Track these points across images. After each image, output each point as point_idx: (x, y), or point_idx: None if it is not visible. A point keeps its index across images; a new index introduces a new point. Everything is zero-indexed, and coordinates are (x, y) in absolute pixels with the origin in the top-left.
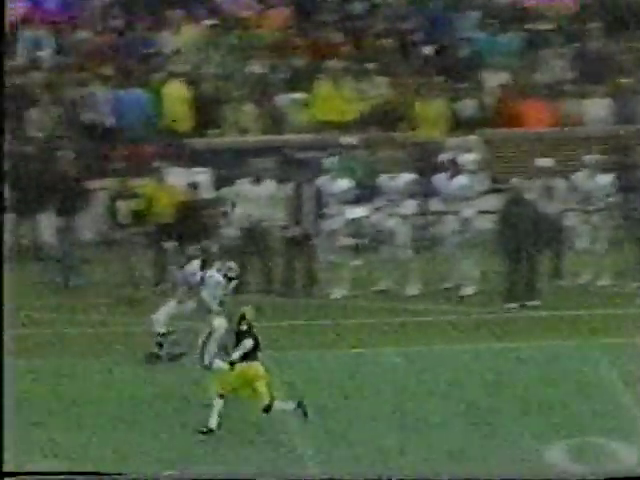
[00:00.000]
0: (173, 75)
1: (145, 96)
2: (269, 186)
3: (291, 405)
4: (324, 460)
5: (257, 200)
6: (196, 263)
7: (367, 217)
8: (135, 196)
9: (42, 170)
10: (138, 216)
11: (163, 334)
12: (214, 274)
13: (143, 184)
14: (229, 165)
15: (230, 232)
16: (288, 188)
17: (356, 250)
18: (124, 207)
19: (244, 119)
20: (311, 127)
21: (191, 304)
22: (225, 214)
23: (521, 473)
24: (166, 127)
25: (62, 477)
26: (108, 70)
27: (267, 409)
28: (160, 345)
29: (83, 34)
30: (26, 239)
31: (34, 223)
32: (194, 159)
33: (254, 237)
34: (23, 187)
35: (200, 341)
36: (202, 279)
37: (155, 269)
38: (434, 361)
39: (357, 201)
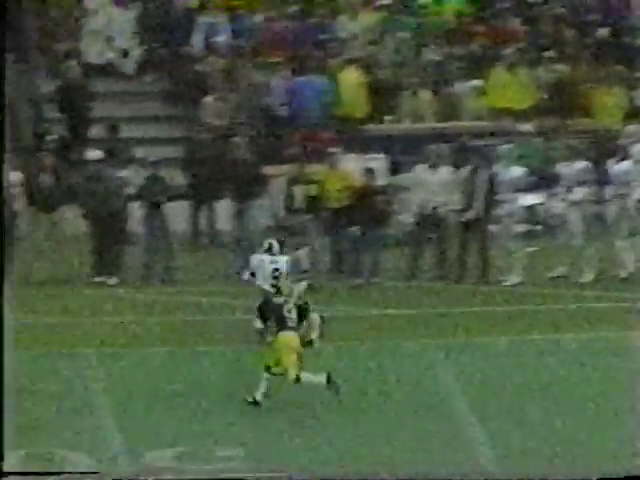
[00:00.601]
0: (350, 61)
1: (321, 82)
2: (445, 172)
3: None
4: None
5: (433, 186)
6: (300, 253)
7: (541, 204)
8: (310, 182)
9: (218, 157)
10: (313, 202)
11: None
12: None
13: (318, 170)
14: (404, 152)
15: (405, 218)
16: (463, 174)
17: (530, 237)
18: (299, 193)
19: (420, 106)
20: (487, 114)
21: (301, 286)
22: (400, 200)
23: None
24: (342, 113)
25: (62, 477)
26: (284, 56)
27: (297, 380)
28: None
29: (260, 19)
30: (203, 226)
31: (211, 210)
32: (369, 145)
33: (429, 223)
34: (199, 174)
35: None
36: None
37: (331, 255)
38: (610, 348)
39: (531, 188)
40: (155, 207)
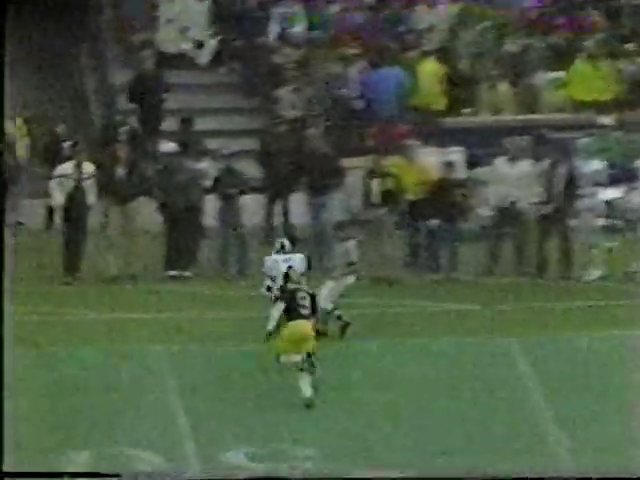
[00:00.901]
0: (427, 53)
1: (398, 74)
2: (524, 166)
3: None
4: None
5: (511, 180)
6: (349, 245)
7: (621, 198)
8: (387, 175)
9: (293, 149)
10: (389, 195)
11: (334, 309)
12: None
13: (394, 163)
14: (482, 145)
15: (484, 212)
16: (542, 168)
17: (610, 231)
18: (376, 186)
19: (499, 98)
20: (567, 107)
21: (349, 279)
22: (478, 194)
23: None
24: (419, 106)
25: (61, 477)
26: (361, 47)
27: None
28: (339, 317)
29: (335, 10)
30: (277, 220)
31: (285, 204)
32: (447, 138)
33: (508, 217)
34: (274, 167)
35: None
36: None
37: (408, 249)
38: None
39: (611, 182)
40: (229, 200)
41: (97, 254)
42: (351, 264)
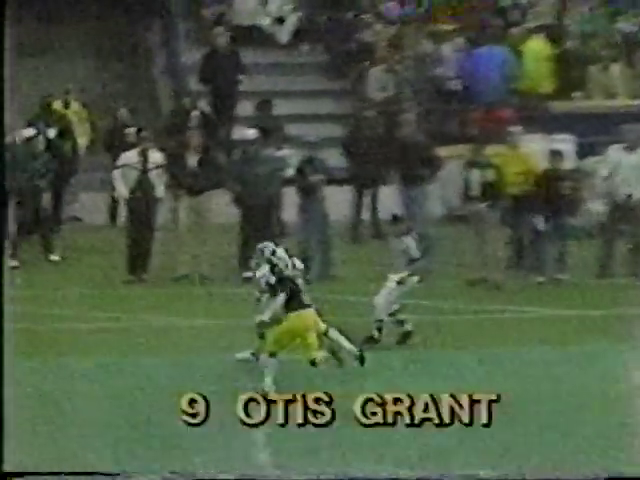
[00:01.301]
0: (534, 30)
1: (502, 54)
2: None
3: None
4: None
5: (628, 171)
6: (408, 241)
7: None
8: (488, 165)
9: (384, 136)
10: (490, 188)
11: (381, 320)
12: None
13: (496, 152)
14: (595, 132)
15: (597, 207)
16: None
17: None
18: (476, 178)
19: (612, 81)
20: None
21: (413, 280)
22: (589, 187)
23: None
24: (524, 88)
25: (61, 477)
26: (459, 23)
27: (312, 362)
28: (379, 330)
29: None
30: (365, 215)
31: (374, 196)
32: (555, 124)
33: (623, 213)
34: (362, 155)
35: None
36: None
37: (511, 248)
38: None
39: None
40: (312, 193)
41: (165, 252)
42: (413, 261)
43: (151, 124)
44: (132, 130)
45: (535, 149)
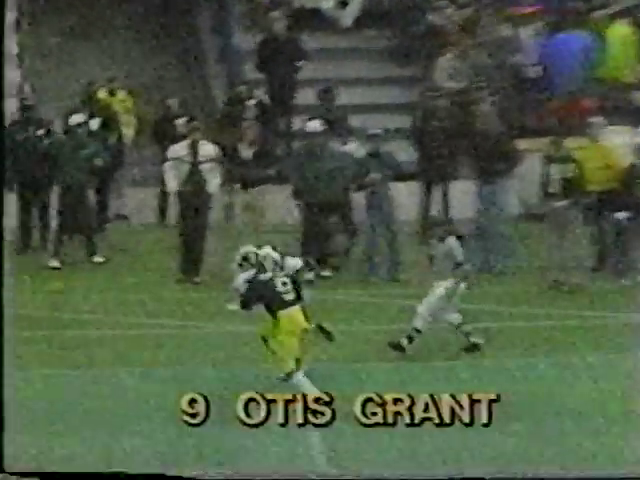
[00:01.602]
0: (618, 14)
1: (584, 39)
2: None
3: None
4: None
5: None
6: (452, 243)
7: None
8: (568, 160)
9: (456, 127)
10: (571, 184)
11: (418, 330)
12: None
13: (577, 145)
14: None
15: None
16: None
17: None
18: (554, 173)
19: None
20: None
21: (460, 285)
22: None
23: None
24: (608, 77)
25: (61, 477)
26: (540, 7)
27: (287, 377)
28: (410, 339)
29: None
30: (435, 213)
31: (445, 193)
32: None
33: None
34: (432, 149)
35: None
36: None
37: (593, 250)
38: None
39: None
40: (377, 189)
41: (219, 253)
42: (459, 265)
43: (203, 114)
44: (182, 121)
45: (619, 142)
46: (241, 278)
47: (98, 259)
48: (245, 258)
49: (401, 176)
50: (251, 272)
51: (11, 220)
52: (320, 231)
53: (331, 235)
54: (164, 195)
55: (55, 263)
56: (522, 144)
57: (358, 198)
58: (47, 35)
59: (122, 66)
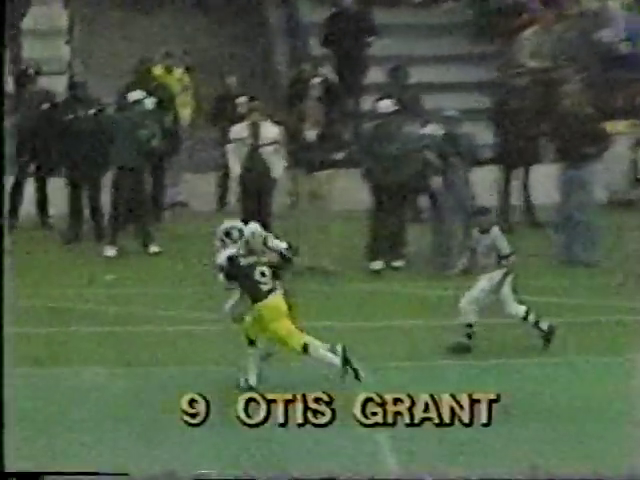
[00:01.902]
0: None
1: None
2: None
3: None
4: None
5: None
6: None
7: None
8: None
9: (538, 107)
10: None
11: (470, 325)
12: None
13: None
14: None
15: None
16: None
17: None
18: None
19: None
20: None
21: (508, 278)
22: None
23: None
24: None
25: (61, 477)
26: None
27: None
28: (469, 336)
29: None
30: (515, 199)
31: (526, 178)
32: None
33: None
34: (513, 131)
35: None
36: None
37: None
38: None
39: None
40: (451, 174)
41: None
42: (503, 258)
43: (265, 93)
44: (244, 100)
45: None
46: (224, 255)
47: (154, 249)
48: (227, 234)
49: (478, 160)
50: (233, 249)
51: (57, 208)
52: (392, 219)
53: (403, 223)
54: (224, 180)
55: (111, 252)
56: (609, 126)
57: (434, 184)
58: (99, 8)
59: (179, 41)
